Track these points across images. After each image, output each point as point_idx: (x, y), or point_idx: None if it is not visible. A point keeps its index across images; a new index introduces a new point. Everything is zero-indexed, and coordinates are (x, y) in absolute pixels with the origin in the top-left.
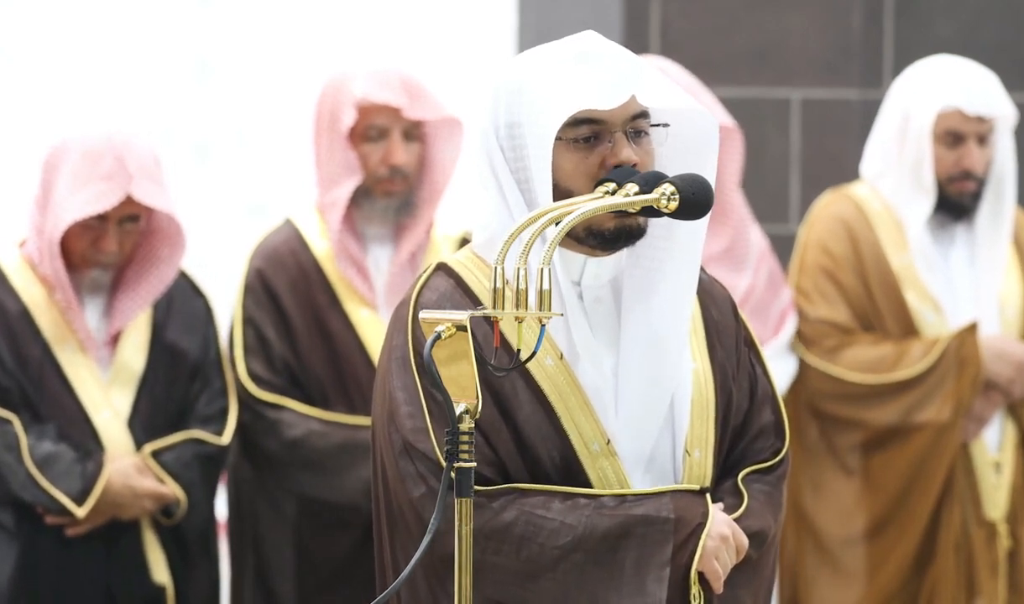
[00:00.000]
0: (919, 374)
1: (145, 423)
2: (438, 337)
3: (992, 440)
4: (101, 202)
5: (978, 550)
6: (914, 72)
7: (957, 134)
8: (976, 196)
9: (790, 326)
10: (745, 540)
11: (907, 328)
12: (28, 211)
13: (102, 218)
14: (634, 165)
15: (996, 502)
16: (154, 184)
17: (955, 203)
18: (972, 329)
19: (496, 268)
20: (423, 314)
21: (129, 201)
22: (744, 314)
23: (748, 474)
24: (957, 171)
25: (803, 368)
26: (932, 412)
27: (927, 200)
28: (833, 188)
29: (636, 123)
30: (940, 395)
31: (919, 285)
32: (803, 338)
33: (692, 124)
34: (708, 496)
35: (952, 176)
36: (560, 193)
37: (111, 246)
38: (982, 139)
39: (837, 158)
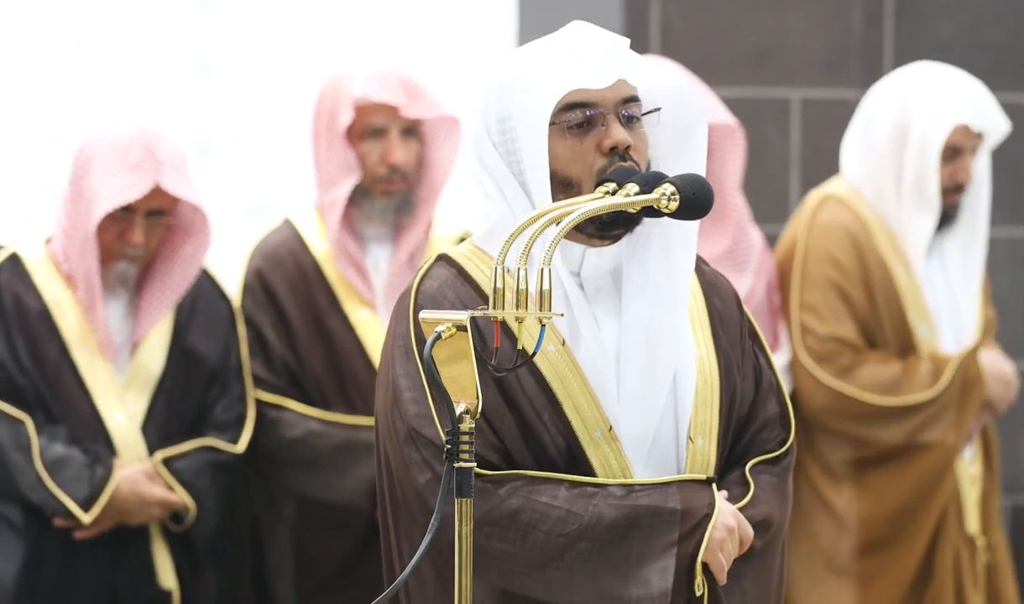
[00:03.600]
0: (932, 398)
1: (159, 427)
2: (438, 337)
3: (967, 454)
4: (131, 191)
5: (965, 565)
6: (910, 81)
7: (956, 149)
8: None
9: (783, 337)
10: (750, 531)
11: (904, 341)
12: (56, 209)
13: (130, 210)
14: (628, 147)
15: (974, 515)
16: (181, 176)
17: (945, 215)
18: (975, 352)
19: (496, 268)
20: (423, 314)
21: (157, 192)
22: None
23: (755, 465)
24: (951, 184)
25: (814, 385)
26: (938, 433)
27: (931, 216)
28: (817, 188)
29: (628, 107)
30: (947, 417)
31: (919, 299)
32: (814, 355)
33: (681, 105)
34: (714, 486)
35: (946, 189)
36: (557, 180)
37: (138, 238)
38: (974, 152)
39: (837, 158)
